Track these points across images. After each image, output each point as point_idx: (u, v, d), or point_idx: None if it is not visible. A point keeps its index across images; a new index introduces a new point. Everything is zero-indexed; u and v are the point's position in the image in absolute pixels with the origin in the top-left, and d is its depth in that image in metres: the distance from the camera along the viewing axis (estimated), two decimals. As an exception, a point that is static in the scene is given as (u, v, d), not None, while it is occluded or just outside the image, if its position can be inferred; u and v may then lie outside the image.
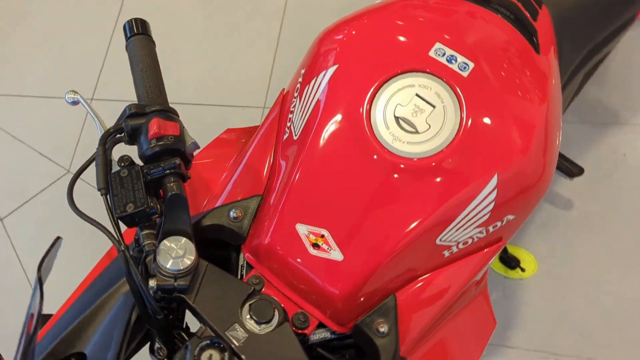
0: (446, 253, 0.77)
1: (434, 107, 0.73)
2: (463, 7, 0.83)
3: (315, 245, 0.74)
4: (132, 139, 0.73)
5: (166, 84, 0.77)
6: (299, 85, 0.84)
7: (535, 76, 0.79)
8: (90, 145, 1.87)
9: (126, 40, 0.80)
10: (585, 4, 1.00)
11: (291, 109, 0.84)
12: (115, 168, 0.70)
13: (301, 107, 0.81)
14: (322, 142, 0.76)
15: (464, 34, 0.78)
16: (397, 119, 0.73)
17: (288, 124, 0.83)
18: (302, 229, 0.74)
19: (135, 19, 0.80)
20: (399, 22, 0.80)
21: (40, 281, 0.56)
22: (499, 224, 0.77)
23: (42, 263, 0.58)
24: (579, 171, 1.32)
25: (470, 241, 0.77)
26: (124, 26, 0.80)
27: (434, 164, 0.72)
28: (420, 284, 0.78)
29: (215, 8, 2.00)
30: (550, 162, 0.79)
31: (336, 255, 0.73)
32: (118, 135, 0.74)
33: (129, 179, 0.68)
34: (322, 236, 0.74)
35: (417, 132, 0.73)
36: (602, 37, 1.06)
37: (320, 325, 0.77)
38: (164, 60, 0.79)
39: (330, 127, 0.76)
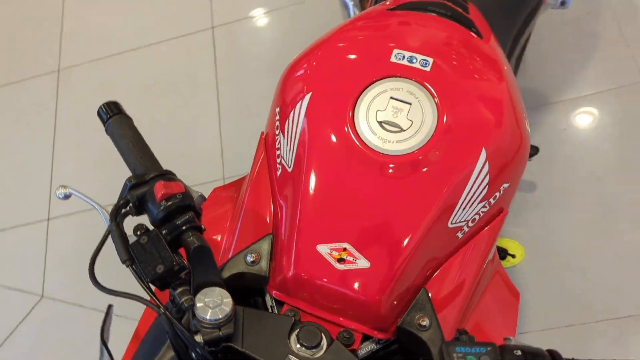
0: (459, 234, 0.81)
1: (410, 104, 0.79)
2: (402, 16, 0.91)
3: (341, 260, 0.76)
4: (139, 209, 0.74)
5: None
6: (278, 123, 0.88)
7: (487, 59, 0.87)
8: (60, 263, 1.83)
9: (104, 125, 0.82)
10: None
11: (277, 147, 0.88)
12: (132, 239, 0.71)
13: (287, 141, 0.85)
14: (318, 165, 0.80)
15: (415, 36, 0.86)
16: (380, 123, 0.79)
17: (278, 161, 0.87)
18: (323, 249, 0.77)
19: (107, 103, 0.82)
20: (353, 42, 0.87)
21: (105, 346, 0.56)
22: (497, 194, 0.82)
23: (102, 332, 0.58)
24: (535, 150, 1.42)
25: (477, 217, 0.82)
26: (98, 113, 0.83)
27: (426, 153, 0.77)
28: (444, 271, 0.81)
29: (157, 93, 2.04)
30: (524, 129, 0.86)
31: (363, 263, 0.76)
32: (124, 210, 0.75)
33: (150, 244, 0.69)
34: (345, 249, 0.76)
35: (402, 130, 0.78)
36: (520, 23, 1.17)
37: (364, 339, 0.79)
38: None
39: (322, 149, 0.80)
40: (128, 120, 0.82)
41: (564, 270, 1.52)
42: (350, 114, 0.80)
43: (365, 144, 0.78)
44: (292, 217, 0.80)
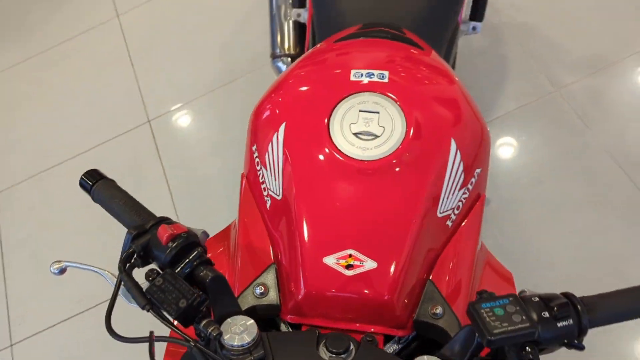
0: (449, 223, 0.86)
1: (378, 112, 0.86)
2: (349, 44, 1.01)
3: (349, 266, 0.79)
4: (145, 259, 0.75)
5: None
6: (257, 160, 0.92)
7: (435, 67, 0.97)
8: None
9: (90, 194, 0.84)
10: (418, 23, 1.23)
11: (261, 181, 0.91)
12: (146, 285, 0.72)
13: (271, 172, 0.89)
14: (306, 185, 0.84)
15: (367, 57, 0.94)
16: (355, 135, 0.85)
17: (265, 194, 0.90)
18: (330, 260, 0.80)
19: (86, 173, 0.84)
20: (312, 73, 0.95)
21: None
22: (473, 180, 0.89)
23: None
24: None
25: (460, 205, 0.88)
26: (81, 185, 0.84)
27: (403, 152, 0.83)
28: (443, 260, 0.85)
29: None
30: (482, 120, 0.95)
31: (370, 264, 0.79)
32: (128, 264, 0.76)
33: (166, 283, 0.70)
34: (350, 255, 0.80)
35: (376, 136, 0.84)
36: (445, 47, 1.30)
37: (386, 340, 0.81)
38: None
39: (307, 170, 0.85)
40: (112, 182, 0.84)
41: (536, 269, 1.60)
42: (326, 132, 0.85)
43: (347, 155, 0.83)
44: (292, 240, 0.83)
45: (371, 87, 0.89)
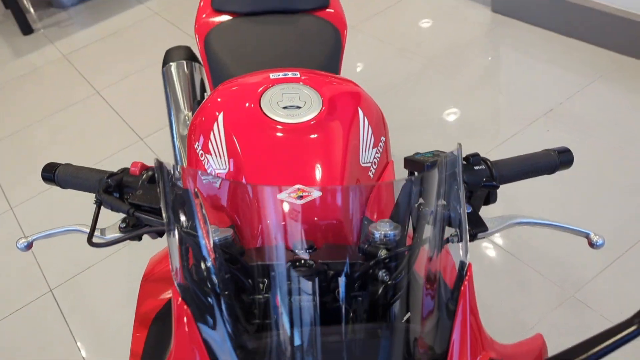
0: (370, 174, 1.01)
1: (298, 93, 1.04)
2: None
3: (300, 197, 0.89)
4: (119, 190, 0.86)
5: None
6: (201, 152, 1.03)
7: (339, 77, 1.19)
8: None
9: (56, 183, 0.92)
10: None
11: (206, 168, 1.01)
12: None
13: (215, 154, 1.00)
14: (250, 147, 0.96)
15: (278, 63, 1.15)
16: (284, 108, 1.00)
17: (213, 180, 0.99)
18: (283, 195, 0.89)
19: (43, 169, 0.94)
20: (237, 82, 1.12)
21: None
22: (381, 144, 1.06)
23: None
24: None
25: (376, 161, 1.03)
26: (44, 178, 0.93)
27: (325, 115, 1.00)
28: (372, 201, 0.96)
29: None
30: (378, 107, 1.15)
31: (316, 193, 0.89)
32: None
33: (145, 194, 0.82)
34: (299, 189, 0.89)
35: (300, 107, 1.01)
36: None
37: None
38: None
39: (249, 137, 0.98)
40: (68, 165, 0.94)
41: (522, 265, 1.69)
42: (259, 110, 1.00)
43: (283, 123, 0.98)
44: (247, 194, 0.91)
45: (288, 80, 1.08)
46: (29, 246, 0.84)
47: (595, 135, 2.22)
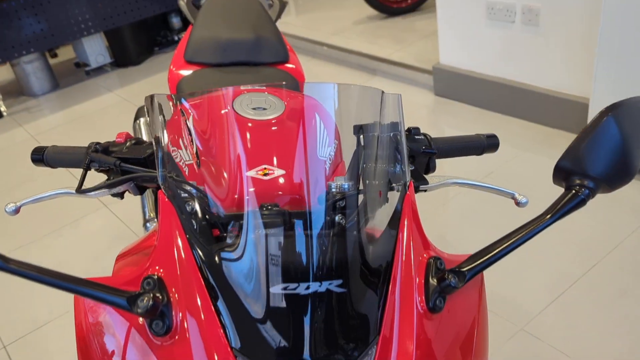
0: (326, 166, 1.13)
1: (264, 96, 1.17)
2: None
3: (266, 174, 1.00)
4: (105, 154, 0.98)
5: None
6: (172, 147, 1.14)
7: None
8: None
9: (45, 164, 1.04)
10: None
11: (178, 162, 1.11)
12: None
13: (185, 148, 1.10)
14: (219, 135, 1.08)
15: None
16: (253, 109, 1.14)
17: (182, 165, 1.10)
18: (252, 173, 1.00)
19: (32, 153, 1.05)
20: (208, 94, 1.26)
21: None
22: (335, 144, 1.20)
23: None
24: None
25: (331, 157, 1.16)
26: (34, 160, 1.05)
27: (287, 115, 1.14)
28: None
29: None
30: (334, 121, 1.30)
31: (279, 172, 1.01)
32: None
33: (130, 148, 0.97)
34: (265, 167, 1.01)
35: (267, 109, 1.14)
36: None
37: None
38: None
39: (220, 128, 1.08)
40: (53, 146, 1.05)
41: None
42: (232, 108, 1.13)
43: (249, 118, 1.11)
44: (219, 171, 1.03)
45: (256, 90, 1.22)
46: (16, 210, 0.90)
47: (526, 190, 2.42)
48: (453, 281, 0.73)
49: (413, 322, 0.74)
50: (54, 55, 5.10)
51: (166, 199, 0.78)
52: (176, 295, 0.73)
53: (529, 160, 2.63)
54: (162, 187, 0.79)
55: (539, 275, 2.02)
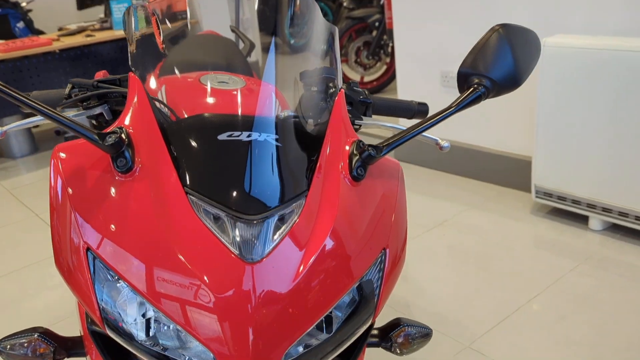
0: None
1: (228, 77, 1.24)
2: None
3: (220, 82, 1.16)
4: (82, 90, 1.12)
5: None
6: None
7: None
8: None
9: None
10: None
11: None
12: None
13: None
14: (192, 105, 1.21)
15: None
16: (219, 83, 1.21)
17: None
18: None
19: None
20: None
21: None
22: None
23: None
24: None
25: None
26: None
27: (249, 86, 1.20)
28: None
29: None
30: None
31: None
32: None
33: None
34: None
35: (231, 83, 1.23)
36: None
37: None
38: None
39: (191, 98, 1.17)
40: (36, 91, 1.19)
41: None
42: (199, 82, 1.19)
43: (216, 88, 1.16)
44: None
45: (221, 72, 1.34)
46: (2, 134, 1.01)
47: (475, 238, 2.58)
48: (372, 152, 0.89)
49: (338, 186, 0.88)
50: (35, 126, 5.29)
51: (133, 75, 0.95)
52: (138, 142, 0.87)
53: (478, 213, 2.82)
54: (131, 66, 0.95)
55: (485, 302, 2.13)
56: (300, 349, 0.83)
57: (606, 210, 2.44)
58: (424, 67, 3.25)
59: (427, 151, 3.35)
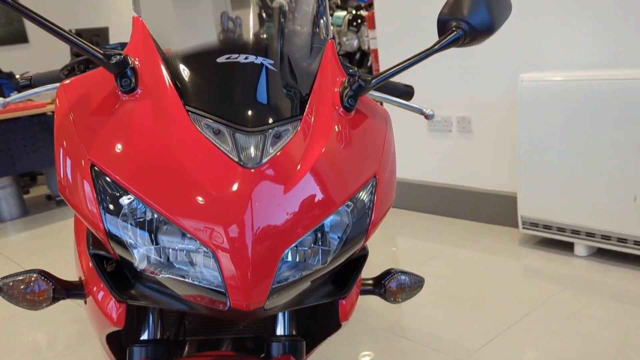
0: None
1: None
2: None
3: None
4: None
5: None
6: None
7: None
8: None
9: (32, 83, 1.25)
10: None
11: None
12: None
13: None
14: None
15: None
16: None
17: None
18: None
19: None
20: None
21: None
22: None
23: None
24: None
25: None
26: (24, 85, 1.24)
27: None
28: None
29: None
30: None
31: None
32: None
33: None
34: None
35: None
36: None
37: None
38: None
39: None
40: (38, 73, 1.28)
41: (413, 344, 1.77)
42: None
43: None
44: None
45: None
46: (4, 105, 1.01)
47: (466, 269, 2.60)
48: (363, 83, 0.95)
49: (330, 114, 0.94)
50: (26, 192, 5.32)
51: (136, 17, 1.00)
52: (140, 68, 0.92)
53: (467, 248, 2.85)
54: (134, 11, 1.01)
55: (477, 322, 2.13)
56: (295, 269, 0.86)
57: (590, 234, 2.50)
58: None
59: (414, 194, 3.42)
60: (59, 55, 4.61)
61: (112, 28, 5.06)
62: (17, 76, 5.16)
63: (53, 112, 4.28)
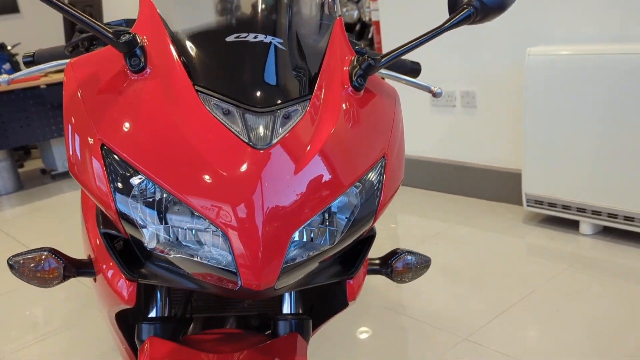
0: None
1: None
2: None
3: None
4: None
5: None
6: None
7: None
8: None
9: (35, 62, 1.19)
10: None
11: None
12: None
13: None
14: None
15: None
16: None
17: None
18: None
19: (23, 57, 1.23)
20: None
21: None
22: None
23: None
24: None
25: None
26: (25, 63, 1.20)
27: None
28: None
29: None
30: None
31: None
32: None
33: None
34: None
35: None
36: None
37: None
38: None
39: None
40: (40, 49, 1.25)
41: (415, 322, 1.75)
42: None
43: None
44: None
45: None
46: (8, 82, 0.98)
47: (468, 247, 2.57)
48: (372, 62, 0.92)
49: (339, 93, 0.92)
50: (21, 166, 5.26)
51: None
52: (149, 47, 0.90)
53: (470, 226, 2.82)
54: None
55: (480, 300, 2.10)
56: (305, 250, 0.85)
57: (595, 213, 2.46)
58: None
59: (416, 170, 3.37)
60: (51, 26, 4.51)
61: (106, -2, 4.96)
62: (9, 47, 5.09)
63: (46, 86, 4.25)
